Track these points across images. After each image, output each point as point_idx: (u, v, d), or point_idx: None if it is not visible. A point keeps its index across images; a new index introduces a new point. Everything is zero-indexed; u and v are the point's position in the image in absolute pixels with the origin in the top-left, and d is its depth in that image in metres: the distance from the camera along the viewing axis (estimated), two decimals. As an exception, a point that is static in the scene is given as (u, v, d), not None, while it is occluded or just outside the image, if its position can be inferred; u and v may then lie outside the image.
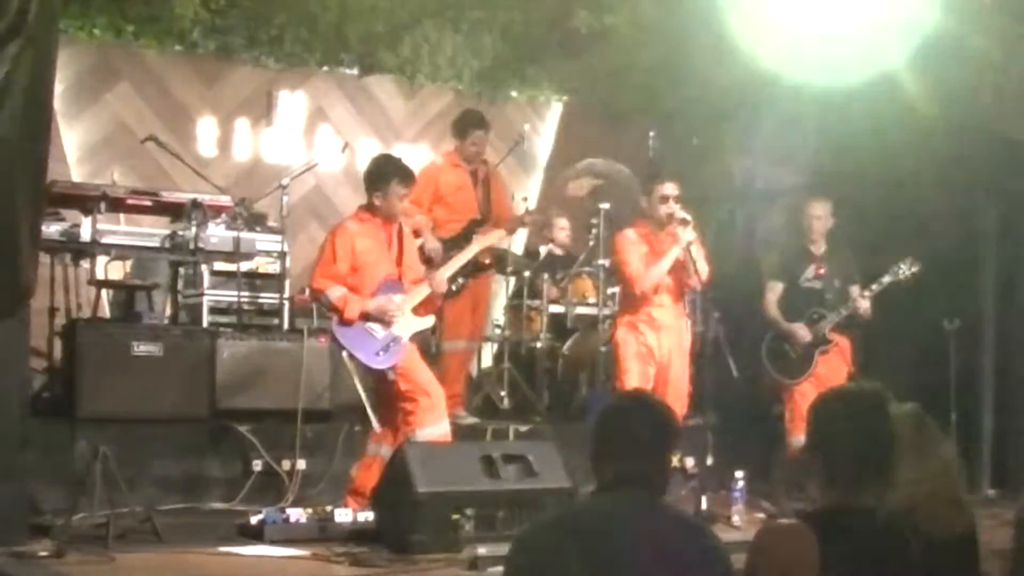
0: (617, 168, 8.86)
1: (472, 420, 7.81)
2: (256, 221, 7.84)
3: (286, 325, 7.52)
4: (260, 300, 7.69)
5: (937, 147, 7.93)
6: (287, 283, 7.65)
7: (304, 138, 9.66)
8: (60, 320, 6.76)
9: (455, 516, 5.56)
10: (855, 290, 7.36)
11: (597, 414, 3.03)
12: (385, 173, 6.32)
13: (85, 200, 6.79)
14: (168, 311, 7.44)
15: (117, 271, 7.55)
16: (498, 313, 9.02)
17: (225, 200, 7.29)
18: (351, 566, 5.25)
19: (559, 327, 8.45)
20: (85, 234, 6.73)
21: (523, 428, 7.52)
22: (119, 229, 7.21)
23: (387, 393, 6.30)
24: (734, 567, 2.88)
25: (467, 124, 7.99)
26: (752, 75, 8.05)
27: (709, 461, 7.29)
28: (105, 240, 6.84)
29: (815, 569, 2.74)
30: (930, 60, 7.36)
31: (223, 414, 6.76)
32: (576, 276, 8.62)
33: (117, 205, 7.14)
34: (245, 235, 7.21)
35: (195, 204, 6.96)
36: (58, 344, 6.71)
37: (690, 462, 7.03)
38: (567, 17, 9.30)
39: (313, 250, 7.33)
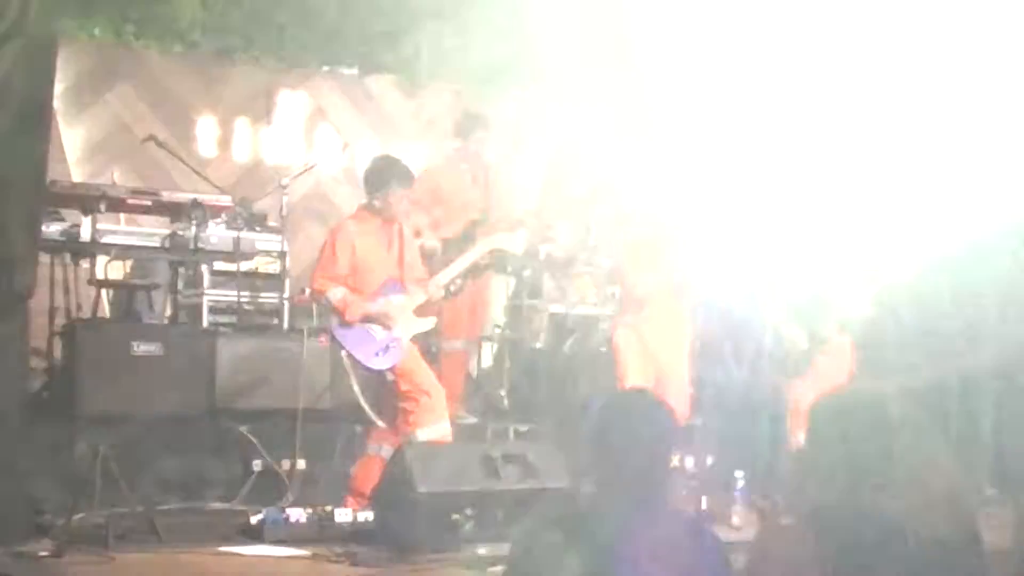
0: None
1: (472, 420, 7.81)
2: (256, 221, 7.85)
3: (286, 325, 7.52)
4: (260, 300, 7.70)
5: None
6: (287, 283, 7.65)
7: (304, 138, 9.67)
8: (60, 320, 6.75)
9: (455, 516, 5.56)
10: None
11: (597, 414, 3.03)
12: (384, 174, 6.33)
13: (85, 200, 6.78)
14: (168, 311, 7.45)
15: (117, 271, 7.54)
16: (498, 313, 9.01)
17: (225, 200, 7.28)
18: (351, 566, 5.25)
19: (559, 327, 8.45)
20: (85, 234, 6.73)
21: (523, 428, 7.52)
22: (119, 229, 7.21)
23: (387, 393, 6.30)
24: (734, 567, 2.88)
25: (470, 125, 7.99)
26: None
27: (709, 461, 7.28)
28: (105, 240, 6.84)
29: (815, 569, 2.74)
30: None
31: (223, 414, 6.75)
32: (576, 276, 8.62)
33: (117, 205, 7.14)
34: (245, 235, 7.21)
35: (195, 204, 6.96)
36: (58, 344, 6.71)
37: (690, 462, 7.03)
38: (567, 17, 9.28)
39: (313, 250, 7.33)
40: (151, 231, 7.29)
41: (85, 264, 7.06)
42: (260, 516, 5.79)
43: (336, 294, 6.18)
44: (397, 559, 5.33)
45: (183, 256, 7.06)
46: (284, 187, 7.67)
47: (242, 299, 7.42)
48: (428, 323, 6.52)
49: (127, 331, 6.66)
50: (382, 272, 6.33)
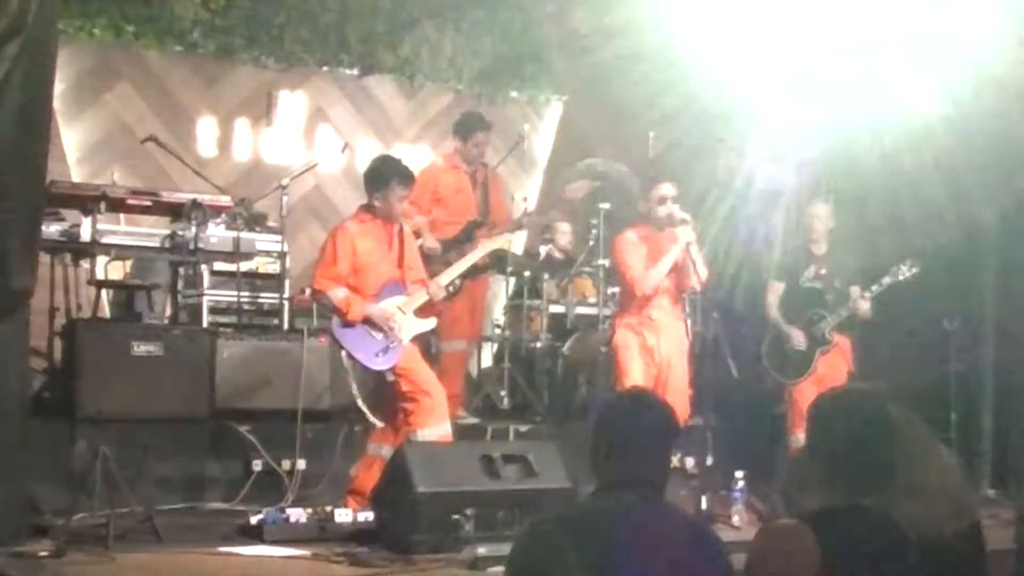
0: (617, 168, 8.85)
1: (472, 420, 7.81)
2: (256, 221, 7.84)
3: (286, 325, 7.52)
4: (260, 300, 7.70)
5: (938, 147, 7.92)
6: (287, 283, 7.65)
7: (304, 138, 9.67)
8: (60, 320, 6.76)
9: (455, 516, 5.56)
10: (855, 291, 7.36)
11: (597, 414, 3.03)
12: (384, 174, 6.33)
13: (85, 200, 6.79)
14: (168, 311, 7.45)
15: (117, 271, 7.55)
16: (498, 313, 9.02)
17: (225, 200, 7.29)
18: (351, 566, 5.24)
19: (559, 327, 8.45)
20: (85, 234, 6.73)
21: (523, 428, 7.52)
22: (119, 229, 7.22)
23: (388, 393, 6.30)
24: (734, 567, 2.88)
25: (470, 126, 7.99)
26: (751, 75, 8.05)
27: (709, 461, 7.27)
28: (105, 240, 6.84)
29: (815, 569, 2.74)
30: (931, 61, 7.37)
31: (223, 414, 6.76)
32: (576, 276, 8.62)
33: (117, 205, 7.14)
34: (245, 235, 7.21)
35: (195, 204, 6.96)
36: (58, 344, 6.71)
37: (690, 462, 7.04)
38: (567, 17, 9.30)
39: (313, 250, 7.33)
40: (151, 231, 7.29)
41: (85, 264, 7.07)
42: (260, 516, 5.79)
43: (338, 294, 6.18)
44: (397, 559, 5.33)
45: (183, 256, 7.06)
46: (284, 187, 7.67)
47: (242, 299, 7.42)
48: (429, 324, 6.51)
49: (127, 331, 6.66)
50: (383, 273, 6.33)
